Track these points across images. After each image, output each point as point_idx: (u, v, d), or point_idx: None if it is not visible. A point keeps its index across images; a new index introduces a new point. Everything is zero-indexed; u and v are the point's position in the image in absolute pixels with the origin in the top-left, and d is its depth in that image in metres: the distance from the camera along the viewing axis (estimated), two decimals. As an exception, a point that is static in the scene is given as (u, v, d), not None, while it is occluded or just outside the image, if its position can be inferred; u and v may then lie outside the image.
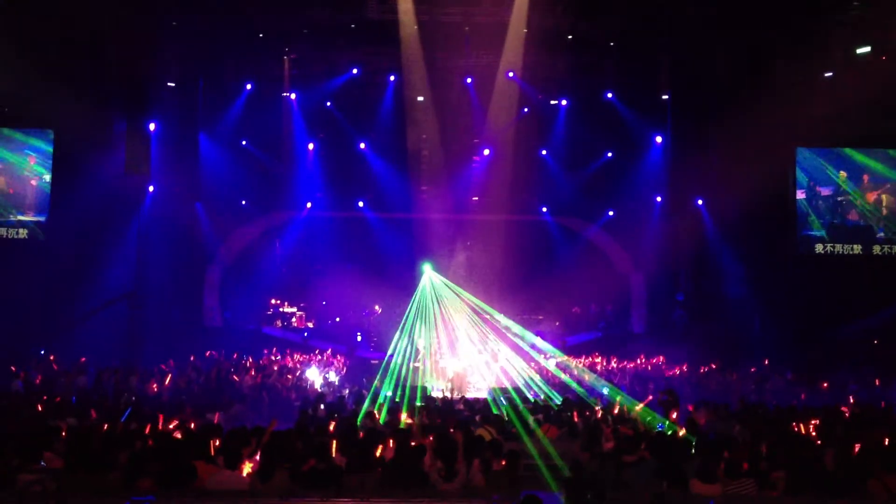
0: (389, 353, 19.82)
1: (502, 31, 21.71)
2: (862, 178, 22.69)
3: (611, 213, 25.51)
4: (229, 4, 20.80)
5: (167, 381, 16.26)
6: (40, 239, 21.22)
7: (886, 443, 9.26)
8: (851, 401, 15.31)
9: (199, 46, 22.28)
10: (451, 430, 9.95)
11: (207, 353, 20.50)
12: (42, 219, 21.38)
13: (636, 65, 23.88)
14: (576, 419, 11.89)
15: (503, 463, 8.37)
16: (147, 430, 9.55)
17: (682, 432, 10.58)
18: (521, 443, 10.29)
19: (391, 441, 8.87)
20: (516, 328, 21.82)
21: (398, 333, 20.72)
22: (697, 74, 23.05)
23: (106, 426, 9.44)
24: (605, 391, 16.40)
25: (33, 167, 21.54)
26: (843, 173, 22.65)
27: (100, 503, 7.00)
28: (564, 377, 18.65)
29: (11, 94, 19.95)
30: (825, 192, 22.74)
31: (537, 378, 18.82)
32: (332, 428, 10.00)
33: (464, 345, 20.71)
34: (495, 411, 12.63)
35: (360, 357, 22.94)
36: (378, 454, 8.33)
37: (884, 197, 22.65)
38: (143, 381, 16.42)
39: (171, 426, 10.10)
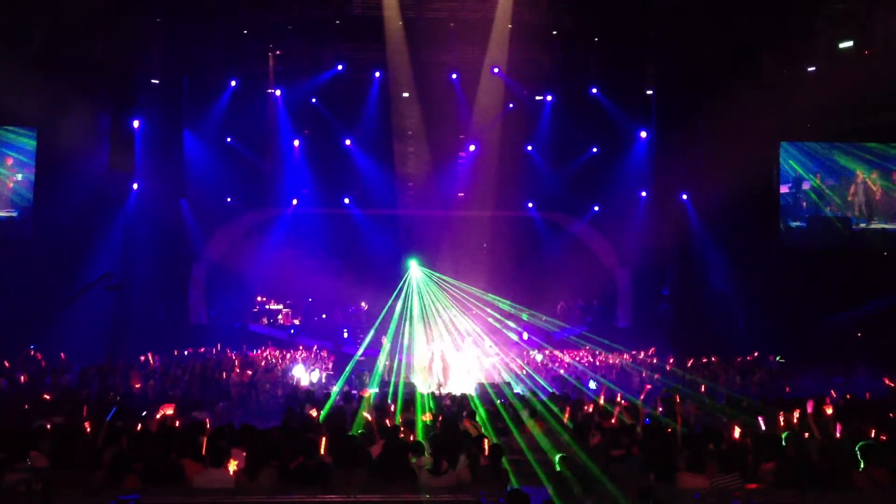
0: (365, 348, 19.96)
1: (487, 27, 21.77)
2: (842, 171, 22.88)
3: (596, 208, 25.53)
4: (213, 1, 20.70)
5: (151, 381, 16.15)
6: (20, 235, 21.08)
7: (872, 435, 9.31)
8: (834, 395, 15.37)
9: (183, 43, 22.20)
10: (438, 425, 9.95)
11: (187, 352, 20.40)
12: (14, 214, 21.23)
13: (621, 60, 23.89)
14: (563, 413, 11.88)
15: (488, 457, 8.36)
16: (133, 428, 9.49)
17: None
18: (508, 437, 10.29)
19: (379, 437, 8.85)
20: (504, 320, 21.89)
21: (373, 330, 20.86)
22: (682, 70, 23.06)
23: (91, 424, 9.36)
24: (592, 385, 16.44)
25: (10, 166, 21.38)
26: (832, 159, 22.91)
27: (86, 502, 6.96)
28: (536, 376, 18.67)
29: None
30: (807, 185, 22.91)
31: (523, 373, 18.85)
32: (318, 422, 9.98)
33: (451, 339, 20.72)
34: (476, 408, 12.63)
35: (346, 354, 22.89)
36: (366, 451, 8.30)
37: (868, 180, 22.87)
38: (125, 375, 16.31)
39: (156, 416, 10.03)
